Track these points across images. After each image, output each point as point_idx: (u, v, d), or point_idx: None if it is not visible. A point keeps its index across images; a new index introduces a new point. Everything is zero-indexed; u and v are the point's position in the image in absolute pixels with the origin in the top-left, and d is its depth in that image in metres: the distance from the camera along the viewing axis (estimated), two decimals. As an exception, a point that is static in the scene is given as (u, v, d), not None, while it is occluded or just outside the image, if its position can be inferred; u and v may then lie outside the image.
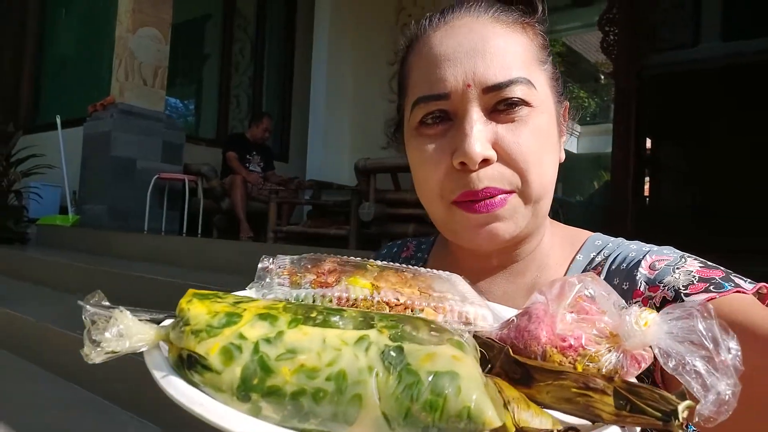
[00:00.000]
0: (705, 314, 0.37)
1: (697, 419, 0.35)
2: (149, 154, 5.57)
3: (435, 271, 0.53)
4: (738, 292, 0.53)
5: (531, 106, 0.59)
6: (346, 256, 0.51)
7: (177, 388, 0.35)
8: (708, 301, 0.52)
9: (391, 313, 0.42)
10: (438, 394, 0.33)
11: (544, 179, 0.61)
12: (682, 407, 0.35)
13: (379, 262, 0.51)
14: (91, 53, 7.11)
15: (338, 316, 0.38)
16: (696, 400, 0.35)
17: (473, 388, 0.33)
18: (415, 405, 0.33)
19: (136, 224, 5.36)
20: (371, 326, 0.37)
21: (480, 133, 0.57)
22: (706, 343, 0.37)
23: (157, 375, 0.36)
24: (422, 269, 0.52)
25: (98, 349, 0.35)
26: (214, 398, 0.34)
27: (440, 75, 0.59)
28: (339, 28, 6.21)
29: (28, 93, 7.73)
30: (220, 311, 0.37)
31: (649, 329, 0.40)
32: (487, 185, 0.58)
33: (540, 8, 0.65)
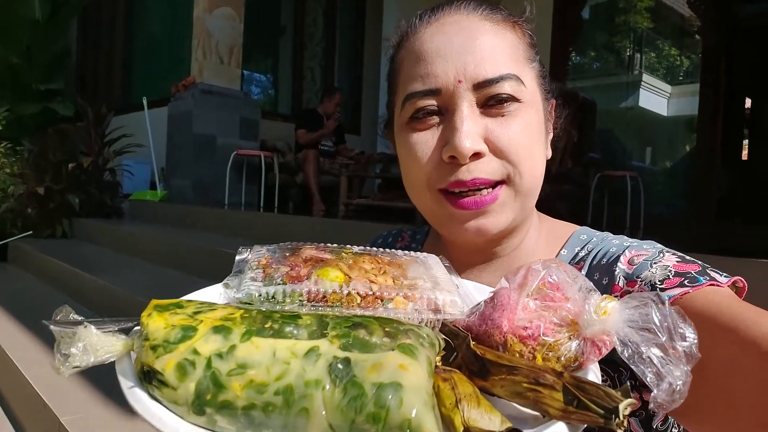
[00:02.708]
0: (659, 303, 0.37)
1: (651, 406, 0.35)
2: (228, 131, 5.82)
3: (412, 253, 0.53)
4: (712, 285, 0.51)
5: (520, 102, 0.60)
6: (324, 244, 0.52)
7: (139, 401, 0.37)
8: (682, 295, 0.51)
9: (351, 313, 0.43)
10: (381, 407, 0.34)
11: (535, 171, 0.62)
12: (623, 405, 0.34)
13: (355, 248, 0.52)
14: (173, 36, 7.48)
15: (293, 325, 0.39)
16: (650, 389, 0.35)
17: (415, 400, 0.34)
18: (359, 417, 0.34)
19: (217, 198, 5.65)
20: (324, 335, 0.38)
21: (470, 128, 0.58)
22: (659, 332, 0.36)
23: (124, 386, 0.38)
24: (399, 252, 0.53)
25: (66, 363, 0.37)
26: (173, 411, 0.36)
27: (431, 71, 0.60)
28: (408, -4, 6.12)
29: (118, 76, 8.26)
30: (177, 324, 0.39)
31: (608, 318, 0.40)
32: (477, 176, 0.58)
33: (527, 8, 0.65)
